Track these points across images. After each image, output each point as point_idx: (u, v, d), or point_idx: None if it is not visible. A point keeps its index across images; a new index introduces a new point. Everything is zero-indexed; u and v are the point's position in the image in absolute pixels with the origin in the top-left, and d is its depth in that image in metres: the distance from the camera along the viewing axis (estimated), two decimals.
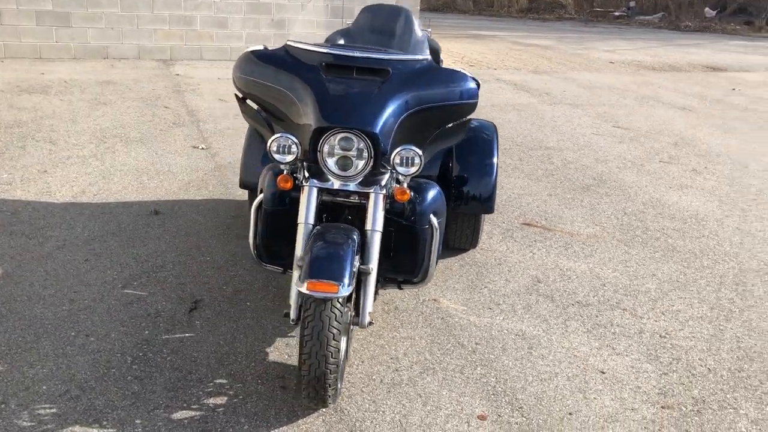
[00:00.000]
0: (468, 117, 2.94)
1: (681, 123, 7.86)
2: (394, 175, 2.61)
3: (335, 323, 2.28)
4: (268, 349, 2.92)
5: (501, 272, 3.78)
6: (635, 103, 8.93)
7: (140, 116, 6.56)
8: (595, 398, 2.74)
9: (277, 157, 2.54)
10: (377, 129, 2.48)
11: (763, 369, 3.02)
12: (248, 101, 3.02)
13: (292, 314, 2.54)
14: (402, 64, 2.62)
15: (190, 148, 5.68)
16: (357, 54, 2.65)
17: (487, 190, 3.54)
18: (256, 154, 3.72)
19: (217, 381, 2.69)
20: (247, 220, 4.24)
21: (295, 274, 2.56)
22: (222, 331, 3.04)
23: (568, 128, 7.28)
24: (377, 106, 2.52)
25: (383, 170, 2.61)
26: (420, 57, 2.67)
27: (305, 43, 2.75)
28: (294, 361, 2.84)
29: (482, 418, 2.58)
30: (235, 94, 3.14)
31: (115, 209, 4.32)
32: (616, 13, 23.32)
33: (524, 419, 2.58)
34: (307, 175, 2.60)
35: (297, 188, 2.76)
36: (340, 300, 2.29)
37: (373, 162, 2.54)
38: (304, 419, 2.50)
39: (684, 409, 2.71)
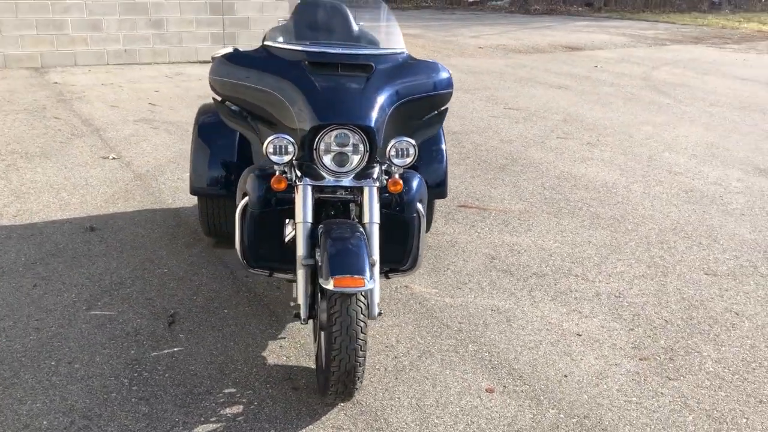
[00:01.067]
0: (446, 106, 3.04)
1: (563, 101, 8.40)
2: (385, 167, 2.68)
3: (362, 316, 2.32)
4: (264, 353, 2.90)
5: (456, 253, 3.94)
6: (516, 84, 9.42)
7: (31, 129, 6.13)
8: (581, 359, 2.96)
9: (274, 158, 2.53)
10: (372, 123, 2.53)
11: (709, 315, 3.37)
12: (227, 104, 2.96)
13: (303, 313, 2.55)
14: (384, 59, 2.68)
15: (99, 159, 5.39)
16: (341, 51, 2.67)
17: (438, 175, 3.66)
18: (205, 158, 3.65)
19: (226, 391, 2.65)
20: (190, 228, 4.14)
21: (301, 273, 2.56)
22: (210, 341, 2.98)
23: (466, 113, 7.57)
24: (368, 100, 2.57)
25: (375, 164, 2.66)
26: (398, 50, 2.74)
27: (285, 43, 2.73)
28: (296, 360, 2.85)
29: (490, 390, 2.72)
30: (213, 98, 3.06)
31: (45, 229, 4.05)
32: (470, 0, 24.26)
33: (528, 387, 2.75)
34: (299, 174, 2.61)
35: (286, 189, 2.77)
36: (363, 293, 2.34)
37: (369, 156, 2.59)
38: (327, 416, 2.52)
39: (658, 358, 2.99)
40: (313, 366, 2.78)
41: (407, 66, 2.71)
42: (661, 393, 2.74)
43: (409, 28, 16.29)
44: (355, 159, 2.56)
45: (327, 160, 2.56)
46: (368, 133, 2.54)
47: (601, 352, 3.02)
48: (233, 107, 2.90)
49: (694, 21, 19.75)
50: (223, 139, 3.70)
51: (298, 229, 2.60)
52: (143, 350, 2.89)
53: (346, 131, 2.52)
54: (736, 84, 9.97)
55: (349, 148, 2.55)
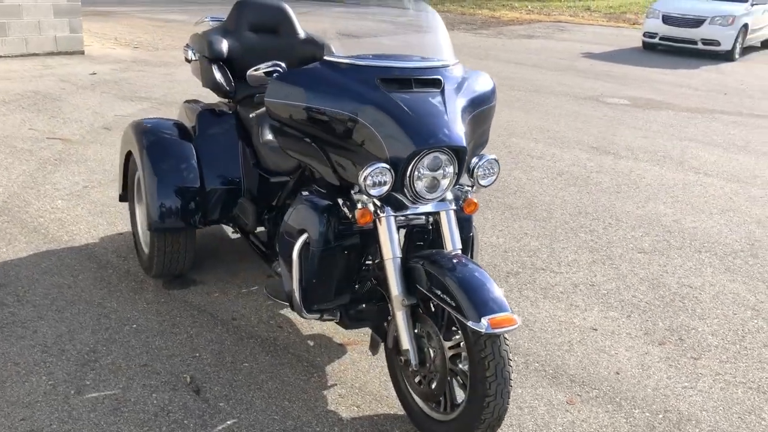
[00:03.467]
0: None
1: None
2: (464, 188, 2.52)
3: (511, 356, 2.17)
4: (329, 406, 2.58)
5: None
6: None
7: None
8: (615, 353, 3.08)
9: (373, 191, 2.24)
10: (464, 143, 2.34)
11: (671, 291, 3.70)
12: (289, 130, 2.49)
13: (413, 359, 2.32)
14: (448, 71, 2.47)
15: None
16: (412, 65, 2.41)
17: None
18: (168, 187, 3.12)
19: None
20: (119, 268, 3.51)
21: (400, 314, 2.33)
22: (259, 404, 2.57)
23: None
24: (453, 118, 2.36)
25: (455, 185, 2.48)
26: (455, 60, 2.54)
27: (348, 57, 2.38)
28: (368, 408, 2.58)
29: (571, 402, 2.72)
30: (273, 126, 2.56)
31: None
32: None
33: (597, 391, 2.80)
34: (378, 203, 2.35)
35: (344, 223, 2.47)
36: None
37: (456, 178, 2.40)
38: None
39: (672, 341, 3.22)
40: (384, 410, 2.56)
41: (465, 78, 2.54)
42: (701, 373, 2.97)
43: (173, 14, 15.27)
44: (445, 182, 2.36)
45: (420, 186, 2.32)
46: (459, 154, 2.35)
47: (625, 343, 3.17)
48: (296, 134, 2.48)
49: (435, 8, 21.19)
50: (182, 162, 3.19)
51: (387, 266, 2.34)
52: (192, 430, 2.39)
53: (439, 154, 2.31)
54: (522, 70, 10.96)
55: (440, 172, 2.34)
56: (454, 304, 2.15)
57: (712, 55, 13.08)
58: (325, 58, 2.43)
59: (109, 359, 2.77)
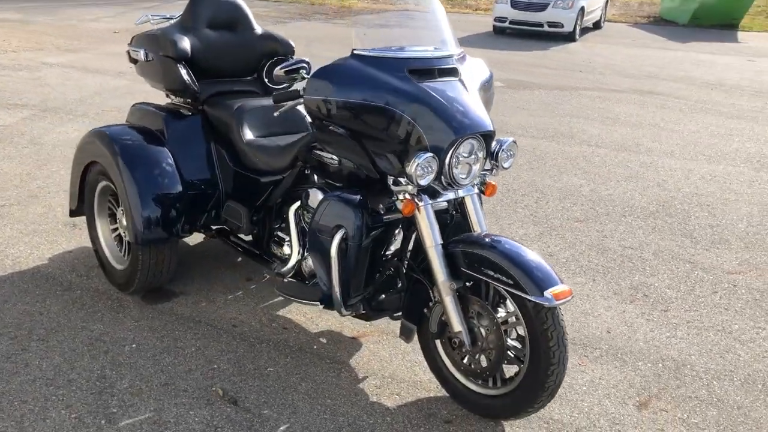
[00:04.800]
0: None
1: None
2: (487, 171, 2.62)
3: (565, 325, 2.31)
4: (375, 399, 2.60)
5: None
6: None
7: None
8: (598, 314, 3.32)
9: (422, 181, 2.28)
10: (493, 127, 2.44)
11: (624, 255, 4.04)
12: (328, 126, 2.42)
13: (467, 339, 2.40)
14: (460, 59, 2.54)
15: None
16: (432, 54, 2.45)
17: None
18: (154, 197, 2.97)
19: None
20: (88, 288, 3.28)
21: (449, 299, 2.40)
22: (300, 405, 2.54)
23: None
24: (478, 104, 2.44)
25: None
26: (461, 48, 2.60)
27: (376, 50, 2.38)
28: (413, 393, 2.62)
29: (583, 363, 2.92)
30: (314, 123, 2.45)
31: None
32: None
33: (598, 350, 3.02)
34: (414, 192, 2.40)
35: (374, 216, 2.50)
36: None
37: (484, 162, 2.50)
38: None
39: (638, 296, 3.52)
40: (424, 394, 2.64)
41: (470, 65, 2.62)
42: (675, 323, 3.28)
43: (5, 11, 14.02)
44: (477, 167, 2.45)
45: (456, 172, 2.39)
46: (488, 139, 2.45)
47: (602, 304, 3.43)
48: (335, 129, 2.43)
49: None
50: (161, 169, 3.04)
51: (431, 253, 2.40)
52: None
53: (473, 141, 2.39)
54: None
55: (473, 157, 2.42)
56: (512, 282, 2.25)
57: (557, 36, 14.07)
58: (355, 51, 2.43)
59: (125, 383, 2.60)
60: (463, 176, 2.42)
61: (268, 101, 3.14)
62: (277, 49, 3.48)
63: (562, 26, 13.88)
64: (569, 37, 14.11)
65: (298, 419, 2.45)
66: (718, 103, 8.50)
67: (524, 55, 12.04)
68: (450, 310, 2.41)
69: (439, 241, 2.41)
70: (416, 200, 2.39)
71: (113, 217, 3.33)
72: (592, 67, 11.09)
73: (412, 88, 2.34)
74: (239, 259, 3.66)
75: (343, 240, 2.46)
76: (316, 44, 11.73)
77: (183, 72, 3.18)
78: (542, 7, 13.87)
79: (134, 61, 3.47)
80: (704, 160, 5.99)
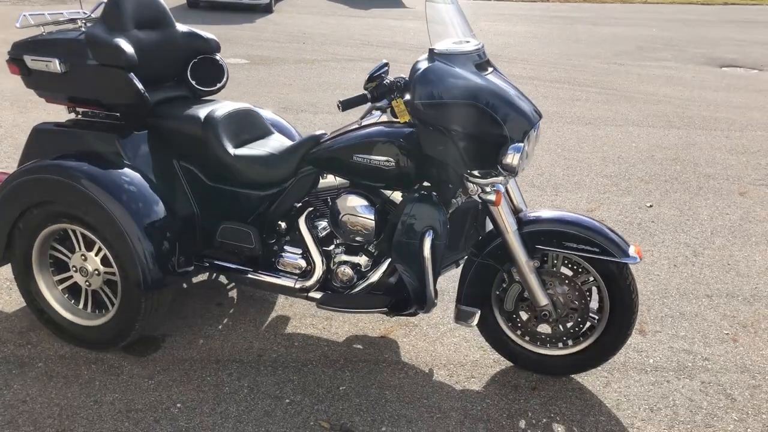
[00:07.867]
0: None
1: None
2: None
3: None
4: (459, 388, 2.65)
5: None
6: None
7: None
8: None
9: (520, 170, 2.38)
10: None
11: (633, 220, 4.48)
12: (431, 130, 2.20)
13: (553, 309, 2.60)
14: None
15: None
16: (478, 47, 2.47)
17: None
18: (158, 233, 2.58)
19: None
20: (46, 356, 2.74)
21: (533, 276, 2.56)
22: (407, 413, 2.49)
23: None
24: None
25: None
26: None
27: (450, 48, 2.32)
28: (480, 378, 2.74)
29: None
30: (414, 123, 2.21)
31: None
32: None
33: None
34: (502, 182, 2.51)
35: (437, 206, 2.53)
36: None
37: None
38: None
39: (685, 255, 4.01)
40: (494, 369, 2.79)
41: None
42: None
43: None
44: (533, 153, 2.61)
45: (525, 162, 2.52)
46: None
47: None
48: (437, 131, 2.29)
49: None
50: (146, 196, 2.64)
51: (510, 238, 2.54)
52: None
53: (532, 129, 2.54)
54: None
55: (533, 144, 2.57)
56: (597, 250, 2.50)
57: (256, 8, 14.13)
58: (434, 50, 2.38)
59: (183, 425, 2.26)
60: (525, 162, 2.57)
61: (220, 105, 2.88)
62: (203, 47, 3.12)
63: None
64: (266, 9, 14.27)
65: (418, 427, 2.41)
66: None
67: (239, 28, 11.88)
68: (534, 286, 2.57)
69: (516, 227, 2.54)
70: (492, 189, 2.48)
71: (58, 267, 2.73)
72: (309, 37, 11.42)
73: (486, 81, 2.41)
74: (185, 285, 3.27)
75: (433, 240, 2.45)
76: None
77: (136, 82, 2.70)
78: None
79: (27, 72, 2.83)
80: None
